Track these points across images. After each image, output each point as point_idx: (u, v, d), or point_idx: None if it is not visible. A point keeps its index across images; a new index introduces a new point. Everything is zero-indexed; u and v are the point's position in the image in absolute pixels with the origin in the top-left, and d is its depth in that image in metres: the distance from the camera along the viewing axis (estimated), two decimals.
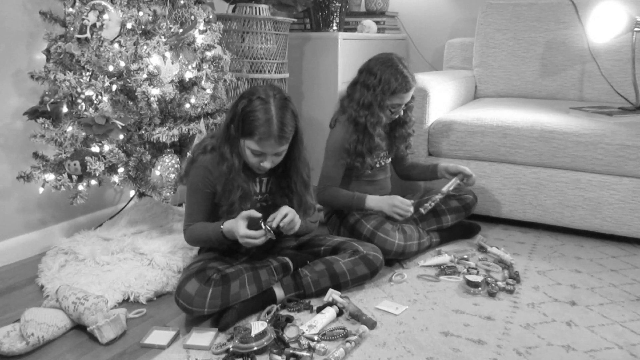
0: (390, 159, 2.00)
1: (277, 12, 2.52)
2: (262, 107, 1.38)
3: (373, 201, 1.79)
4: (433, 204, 1.84)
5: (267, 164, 1.44)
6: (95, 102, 1.66)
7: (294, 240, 1.68)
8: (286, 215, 1.42)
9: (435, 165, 1.99)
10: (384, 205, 1.77)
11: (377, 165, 1.92)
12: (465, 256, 1.83)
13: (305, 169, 1.55)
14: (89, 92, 1.63)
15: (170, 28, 1.72)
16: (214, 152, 1.50)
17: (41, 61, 1.79)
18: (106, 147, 1.66)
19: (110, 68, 1.63)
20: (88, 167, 1.61)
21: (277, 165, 1.50)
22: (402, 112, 1.87)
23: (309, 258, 1.59)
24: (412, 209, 1.76)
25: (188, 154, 1.82)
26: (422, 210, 1.83)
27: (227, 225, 1.43)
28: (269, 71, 2.32)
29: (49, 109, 1.69)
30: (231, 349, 1.27)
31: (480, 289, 1.60)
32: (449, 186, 1.87)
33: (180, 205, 2.26)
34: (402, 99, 1.79)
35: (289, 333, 1.33)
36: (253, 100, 1.40)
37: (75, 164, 1.62)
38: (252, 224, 1.40)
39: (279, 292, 1.51)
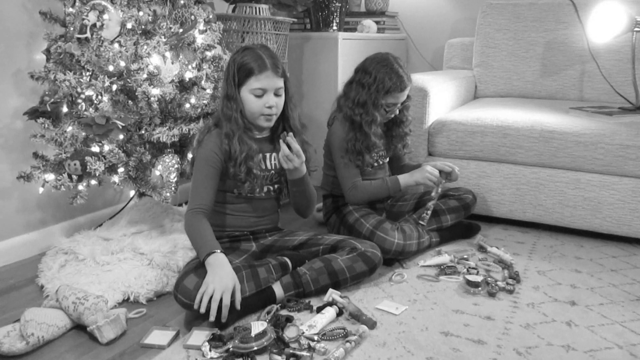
0: (388, 158, 2.01)
1: (277, 12, 2.52)
2: (251, 52, 1.54)
3: (405, 178, 1.84)
4: (429, 211, 1.85)
5: (271, 101, 1.52)
6: (95, 102, 1.66)
7: (296, 239, 1.67)
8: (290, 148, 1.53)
9: (419, 165, 1.99)
10: (417, 175, 1.83)
11: (376, 164, 1.92)
12: (465, 256, 1.83)
13: (297, 119, 1.65)
14: (89, 92, 1.63)
15: (170, 28, 1.72)
16: (217, 128, 1.56)
17: (41, 61, 1.79)
18: (106, 147, 1.66)
19: (110, 68, 1.63)
20: (88, 167, 1.60)
21: (277, 130, 1.61)
22: (397, 112, 1.87)
23: (308, 258, 1.59)
24: (437, 172, 1.83)
25: (189, 155, 1.82)
26: (421, 222, 1.84)
27: (218, 259, 1.39)
28: None
29: (49, 109, 1.68)
30: (231, 349, 1.27)
31: (480, 289, 1.60)
32: (436, 189, 1.86)
33: (180, 205, 2.26)
34: (396, 99, 1.80)
35: (289, 333, 1.32)
36: (240, 52, 1.56)
37: (75, 164, 1.62)
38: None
39: (278, 291, 1.51)
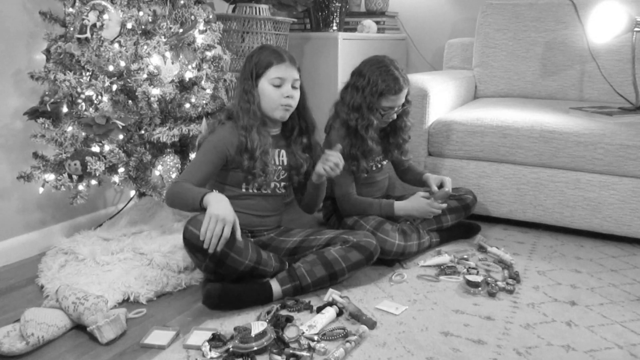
0: (386, 161, 1.99)
1: (277, 12, 2.52)
2: (267, 47, 1.61)
3: (402, 209, 1.81)
4: (419, 219, 1.87)
5: (289, 91, 1.55)
6: (95, 102, 1.66)
7: (290, 240, 1.67)
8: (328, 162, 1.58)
9: (421, 173, 1.97)
10: (415, 212, 1.81)
11: (374, 168, 1.91)
12: (465, 256, 1.83)
13: (311, 117, 1.69)
14: (89, 92, 1.64)
15: (170, 28, 1.72)
16: (230, 121, 1.58)
17: (41, 61, 1.79)
18: (106, 147, 1.66)
19: (111, 68, 1.63)
20: (88, 167, 1.61)
21: (294, 131, 1.64)
22: (395, 117, 1.82)
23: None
24: (444, 205, 1.81)
25: (190, 154, 1.82)
26: (409, 221, 1.85)
27: (216, 196, 1.41)
28: None
29: (49, 109, 1.69)
30: (231, 349, 1.27)
31: (480, 289, 1.60)
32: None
33: None
34: (392, 102, 1.75)
35: (289, 333, 1.33)
36: (257, 50, 1.61)
37: (75, 164, 1.62)
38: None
39: (275, 286, 1.51)
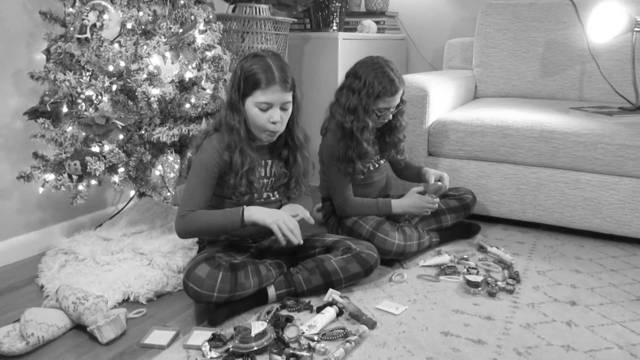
0: (383, 160, 1.98)
1: (277, 12, 2.53)
2: (260, 61, 1.45)
3: (399, 207, 1.83)
4: (417, 218, 1.88)
5: (276, 117, 1.44)
6: (95, 102, 1.66)
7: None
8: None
9: (419, 168, 1.98)
10: (412, 209, 1.83)
11: (372, 167, 1.90)
12: (465, 256, 1.83)
13: (301, 132, 1.60)
14: (89, 92, 1.64)
15: (170, 28, 1.72)
16: (217, 132, 1.50)
17: (41, 61, 1.79)
18: (106, 147, 1.66)
19: (110, 68, 1.63)
20: (88, 167, 1.61)
21: (279, 141, 1.56)
22: (391, 117, 1.82)
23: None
24: (437, 199, 1.83)
25: (188, 154, 1.82)
26: (408, 219, 1.86)
27: (255, 208, 1.45)
28: None
29: (49, 109, 1.69)
30: (231, 349, 1.27)
31: (480, 289, 1.60)
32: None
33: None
34: (388, 103, 1.75)
35: (289, 333, 1.33)
36: (249, 59, 1.46)
37: (75, 164, 1.62)
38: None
39: (270, 290, 1.51)
